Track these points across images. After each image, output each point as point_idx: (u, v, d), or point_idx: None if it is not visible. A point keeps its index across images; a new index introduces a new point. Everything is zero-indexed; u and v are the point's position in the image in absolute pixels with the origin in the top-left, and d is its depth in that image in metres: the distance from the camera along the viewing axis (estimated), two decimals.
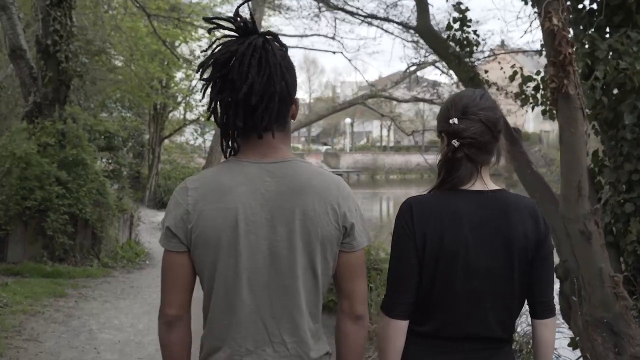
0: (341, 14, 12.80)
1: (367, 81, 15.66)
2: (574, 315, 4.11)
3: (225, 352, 1.49)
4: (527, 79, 4.92)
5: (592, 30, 4.44)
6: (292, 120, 1.61)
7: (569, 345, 4.34)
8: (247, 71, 1.45)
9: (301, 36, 14.24)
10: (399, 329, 1.63)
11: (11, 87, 11.89)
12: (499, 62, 5.83)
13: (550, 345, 1.70)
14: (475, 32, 4.99)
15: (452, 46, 5.14)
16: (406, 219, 1.62)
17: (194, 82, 19.21)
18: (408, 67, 13.71)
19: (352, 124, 52.35)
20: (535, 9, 4.66)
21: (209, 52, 1.55)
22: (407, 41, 12.33)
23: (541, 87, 4.89)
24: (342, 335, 1.58)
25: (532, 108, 4.91)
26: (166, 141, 20.89)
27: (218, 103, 1.53)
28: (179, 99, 19.44)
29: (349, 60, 16.52)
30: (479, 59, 5.11)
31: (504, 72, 4.94)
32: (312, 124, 19.41)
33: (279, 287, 1.48)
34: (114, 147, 10.22)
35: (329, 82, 59.42)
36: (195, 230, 1.47)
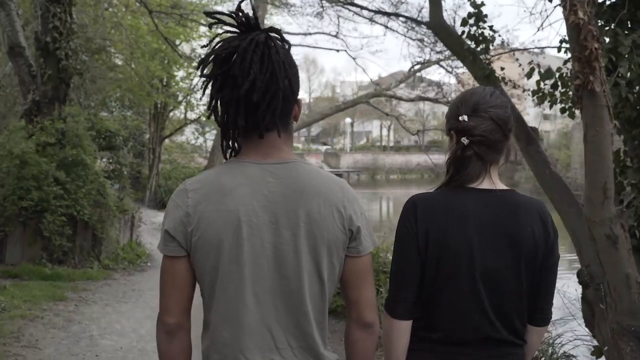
0: (345, 12, 12.63)
1: (371, 80, 15.47)
2: (598, 323, 3.93)
3: None
4: (545, 76, 4.74)
5: (615, 25, 4.25)
6: (294, 122, 1.55)
7: (592, 354, 4.16)
8: (249, 67, 1.39)
9: (304, 34, 14.00)
10: (402, 329, 1.60)
11: (10, 85, 11.70)
12: (503, 60, 5.67)
13: (534, 349, 1.73)
14: (491, 27, 4.80)
15: (467, 43, 4.95)
16: (409, 217, 1.60)
17: (194, 81, 19.05)
18: (412, 66, 13.54)
19: (352, 124, 52.23)
20: (555, 3, 4.48)
21: (209, 48, 1.50)
22: (412, 39, 12.15)
23: (559, 84, 4.71)
24: (351, 342, 1.54)
25: (550, 106, 4.73)
26: (166, 141, 20.72)
27: (218, 101, 1.47)
28: (180, 98, 19.27)
29: (354, 58, 16.54)
30: (493, 56, 4.89)
31: (522, 69, 4.77)
32: (314, 123, 19.19)
33: (284, 293, 1.42)
34: (115, 147, 10.03)
35: (329, 82, 59.36)
36: (195, 233, 1.40)
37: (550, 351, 4.57)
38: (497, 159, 1.62)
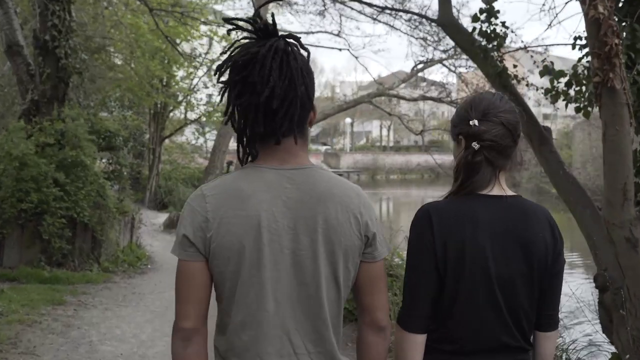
0: (347, 11, 12.51)
1: (374, 79, 15.34)
2: (617, 329, 3.78)
3: None
4: (558, 74, 4.61)
5: (633, 21, 4.11)
6: (309, 128, 1.56)
7: None
8: (269, 74, 1.40)
9: (307, 33, 13.88)
10: (417, 343, 1.57)
11: (8, 85, 11.55)
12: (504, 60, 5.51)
13: (551, 357, 1.68)
14: (503, 24, 4.66)
15: (478, 40, 4.81)
16: (424, 228, 1.56)
17: (195, 81, 18.92)
18: (415, 65, 13.41)
19: (352, 124, 52.09)
20: None
21: (222, 55, 1.51)
22: (415, 38, 12.02)
23: (574, 82, 4.57)
24: (364, 346, 1.54)
25: (566, 105, 4.59)
26: (167, 141, 20.59)
27: (236, 107, 1.48)
28: (180, 98, 19.13)
29: (356, 57, 16.24)
30: (505, 53, 4.75)
31: (537, 65, 4.63)
32: (315, 123, 19.08)
33: (302, 298, 1.43)
34: (115, 147, 9.88)
35: (329, 82, 59.09)
36: (215, 239, 1.40)
37: (564, 357, 4.43)
38: (506, 165, 1.61)
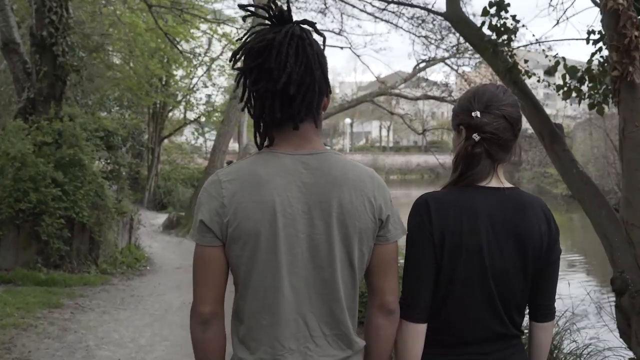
0: (348, 9, 12.36)
1: (376, 78, 15.20)
2: (635, 334, 3.63)
3: (267, 353, 1.45)
4: (571, 70, 4.45)
5: None
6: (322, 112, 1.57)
7: None
8: (285, 60, 1.41)
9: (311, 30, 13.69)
10: (418, 332, 1.56)
11: (4, 83, 11.39)
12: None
13: (546, 348, 1.69)
14: (514, 17, 4.51)
15: (487, 34, 4.66)
16: (423, 217, 1.56)
17: (194, 80, 18.77)
18: (417, 64, 13.25)
19: (351, 125, 51.94)
20: None
21: (222, 54, 1.44)
22: (418, 36, 11.87)
23: (587, 78, 4.42)
24: (373, 329, 1.55)
25: (579, 102, 4.44)
26: (166, 141, 20.44)
27: (252, 94, 1.48)
28: (179, 98, 18.98)
29: (358, 56, 16.18)
30: (516, 48, 4.59)
31: (549, 60, 4.47)
32: None
33: (317, 282, 1.45)
34: (113, 147, 9.72)
35: None
36: (231, 224, 1.41)
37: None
38: (505, 158, 1.60)
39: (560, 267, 1.68)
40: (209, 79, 19.07)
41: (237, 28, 12.52)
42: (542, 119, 4.61)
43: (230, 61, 1.53)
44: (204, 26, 15.27)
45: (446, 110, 45.41)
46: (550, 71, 4.95)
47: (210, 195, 1.45)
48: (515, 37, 4.51)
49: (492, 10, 4.54)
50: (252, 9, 1.56)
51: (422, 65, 13.39)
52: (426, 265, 1.55)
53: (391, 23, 11.34)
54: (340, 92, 50.12)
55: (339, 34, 13.29)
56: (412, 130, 16.46)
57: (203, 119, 20.33)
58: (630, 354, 3.89)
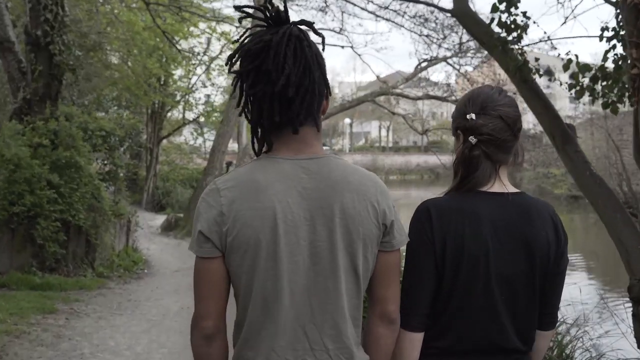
0: (349, 7, 12.21)
1: (377, 77, 15.04)
2: None
3: None
4: (584, 68, 4.29)
5: None
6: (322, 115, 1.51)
7: None
8: (284, 62, 1.37)
9: (308, 30, 13.55)
10: (415, 341, 1.53)
11: None
12: None
13: (542, 354, 1.67)
14: (524, 14, 4.34)
15: (496, 31, 4.50)
16: (424, 224, 1.53)
17: (193, 80, 18.61)
18: (419, 63, 13.09)
19: (351, 125, 51.77)
20: None
21: (222, 53, 1.34)
22: (419, 35, 11.71)
23: (600, 77, 4.26)
24: (373, 339, 1.51)
25: (592, 102, 4.28)
26: (164, 141, 20.28)
27: (250, 97, 1.44)
28: (178, 98, 18.81)
29: (359, 55, 16.07)
30: (527, 45, 4.42)
31: (561, 59, 4.31)
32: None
33: (319, 290, 1.40)
34: (110, 147, 9.55)
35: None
36: (230, 233, 1.37)
37: None
38: (506, 160, 1.57)
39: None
40: (208, 79, 18.90)
41: (236, 27, 12.33)
42: (553, 118, 4.46)
43: (226, 64, 1.49)
44: (202, 25, 15.11)
45: (446, 111, 45.28)
46: (550, 71, 4.79)
47: (208, 205, 1.41)
48: (526, 34, 4.34)
49: (502, 7, 4.38)
50: (250, 10, 1.54)
51: (424, 64, 13.24)
52: (426, 273, 1.53)
53: (393, 22, 11.19)
54: (339, 92, 49.99)
55: (339, 32, 13.15)
56: (413, 130, 16.29)
57: (202, 119, 20.16)
58: None
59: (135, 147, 17.69)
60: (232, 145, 21.84)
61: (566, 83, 4.39)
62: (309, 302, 1.40)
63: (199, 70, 18.21)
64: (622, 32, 4.11)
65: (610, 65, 4.19)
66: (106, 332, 5.48)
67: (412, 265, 1.57)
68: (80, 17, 10.64)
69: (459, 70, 13.13)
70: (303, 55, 1.39)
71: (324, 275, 1.40)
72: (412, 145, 54.23)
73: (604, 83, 4.21)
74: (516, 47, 4.38)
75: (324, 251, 1.40)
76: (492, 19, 4.45)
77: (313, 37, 1.47)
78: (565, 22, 5.73)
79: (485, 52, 12.78)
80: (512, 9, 4.36)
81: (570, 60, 4.36)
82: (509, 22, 4.37)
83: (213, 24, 13.97)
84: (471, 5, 4.87)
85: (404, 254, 1.58)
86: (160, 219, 15.13)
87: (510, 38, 4.40)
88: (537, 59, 4.42)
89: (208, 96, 20.67)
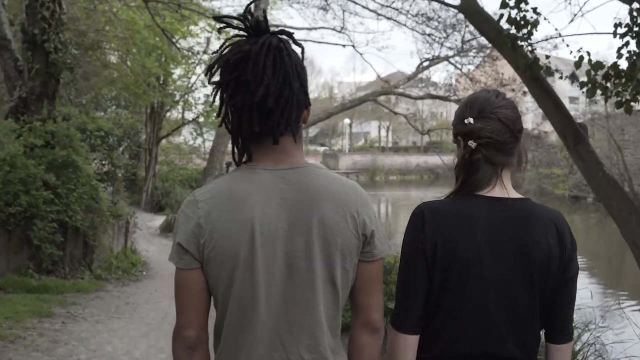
0: (350, 6, 12.09)
1: (379, 77, 14.93)
2: None
3: None
4: (596, 66, 4.17)
5: None
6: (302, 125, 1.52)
7: None
8: (263, 72, 1.37)
9: (308, 29, 13.47)
10: (409, 344, 1.54)
11: None
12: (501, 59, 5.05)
13: None
14: (535, 9, 4.21)
15: (505, 28, 4.37)
16: (416, 228, 1.54)
17: (192, 80, 18.47)
18: (421, 63, 12.97)
19: (350, 125, 51.66)
20: None
21: (218, 53, 1.47)
22: (421, 34, 11.59)
23: (612, 75, 4.14)
24: (358, 348, 1.51)
25: (605, 100, 4.16)
26: (163, 141, 20.14)
27: (230, 108, 1.44)
28: (177, 97, 18.67)
29: (361, 54, 15.86)
30: (537, 42, 4.29)
31: (573, 57, 4.18)
32: (318, 122, 18.63)
33: (297, 301, 1.40)
34: (108, 147, 9.41)
35: (327, 83, 58.58)
36: (208, 245, 1.38)
37: None
38: (508, 162, 1.56)
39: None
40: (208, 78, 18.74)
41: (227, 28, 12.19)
42: (564, 117, 4.33)
43: (205, 75, 1.49)
44: (202, 23, 14.98)
45: (446, 111, 45.17)
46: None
47: (186, 216, 1.42)
48: (537, 30, 4.21)
49: (512, 2, 4.25)
50: (233, 21, 1.48)
51: (425, 63, 13.12)
52: (418, 275, 1.53)
53: (395, 20, 11.07)
54: (339, 92, 49.84)
55: (340, 31, 13.02)
56: (415, 130, 16.16)
57: (202, 119, 20.02)
58: None
59: (134, 147, 17.58)
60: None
61: (576, 80, 4.26)
62: (286, 312, 1.41)
63: (198, 70, 18.07)
64: (635, 28, 3.99)
65: (623, 62, 4.07)
66: (103, 336, 5.35)
67: (405, 268, 1.57)
68: (78, 15, 10.51)
69: (460, 70, 13.01)
70: (282, 65, 1.39)
71: (302, 285, 1.40)
72: (411, 146, 54.12)
73: (617, 81, 4.08)
74: (526, 44, 4.24)
75: (301, 262, 1.40)
76: (501, 15, 4.32)
77: (315, 34, 1.40)
78: (572, 20, 5.61)
79: (488, 52, 12.69)
80: (522, 5, 4.23)
81: (582, 57, 4.24)
82: (518, 19, 4.24)
83: (212, 22, 13.85)
84: (478, 1, 4.72)
85: (400, 256, 1.58)
86: (159, 220, 14.99)
87: (520, 35, 4.27)
88: (547, 56, 4.30)
89: (207, 96, 20.53)
